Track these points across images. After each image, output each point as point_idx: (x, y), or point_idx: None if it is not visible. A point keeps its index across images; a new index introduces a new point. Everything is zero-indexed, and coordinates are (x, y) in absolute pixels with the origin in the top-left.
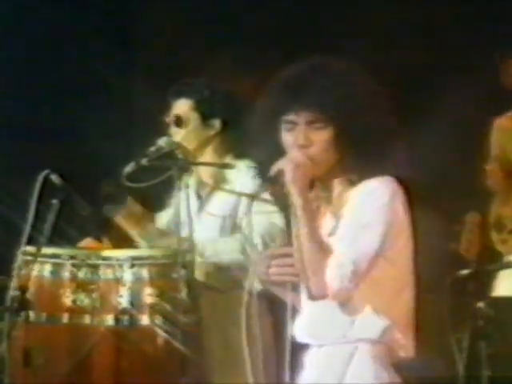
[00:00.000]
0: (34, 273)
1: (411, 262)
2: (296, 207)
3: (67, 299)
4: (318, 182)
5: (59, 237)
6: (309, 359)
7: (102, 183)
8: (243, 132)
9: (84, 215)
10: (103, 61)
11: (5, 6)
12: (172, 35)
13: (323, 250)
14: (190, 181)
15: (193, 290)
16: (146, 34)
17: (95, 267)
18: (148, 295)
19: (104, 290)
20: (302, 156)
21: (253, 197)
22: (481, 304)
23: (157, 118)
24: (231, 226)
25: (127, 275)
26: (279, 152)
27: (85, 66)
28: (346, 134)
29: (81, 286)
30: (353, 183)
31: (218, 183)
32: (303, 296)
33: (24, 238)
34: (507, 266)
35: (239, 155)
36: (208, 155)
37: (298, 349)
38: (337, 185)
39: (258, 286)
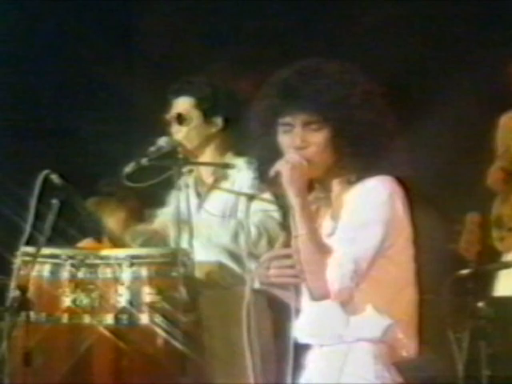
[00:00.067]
0: (34, 273)
1: (412, 260)
2: (294, 208)
3: (66, 299)
4: (316, 184)
5: (59, 237)
6: (310, 359)
7: (102, 183)
8: (244, 130)
9: (84, 215)
10: (103, 61)
11: (5, 6)
12: (172, 35)
13: (323, 250)
14: (190, 179)
15: (192, 289)
16: (146, 34)
17: (94, 267)
18: (147, 294)
19: (103, 290)
20: (298, 157)
21: (252, 197)
22: (481, 304)
23: (157, 117)
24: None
25: (126, 274)
26: (276, 154)
27: (85, 66)
28: (343, 134)
29: (80, 285)
30: (351, 183)
31: (219, 180)
32: (304, 296)
33: (24, 238)
34: (507, 265)
35: (240, 153)
36: (209, 153)
37: (299, 349)
38: (335, 185)
39: (257, 284)
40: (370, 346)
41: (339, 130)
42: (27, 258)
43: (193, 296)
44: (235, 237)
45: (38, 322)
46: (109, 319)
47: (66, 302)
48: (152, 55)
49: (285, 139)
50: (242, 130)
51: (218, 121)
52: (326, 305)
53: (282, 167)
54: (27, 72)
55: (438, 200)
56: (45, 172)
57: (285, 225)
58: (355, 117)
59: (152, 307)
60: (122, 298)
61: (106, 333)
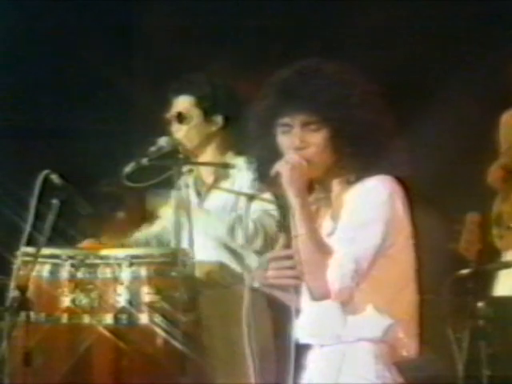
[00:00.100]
0: (33, 273)
1: (412, 260)
2: (293, 208)
3: (66, 299)
4: (316, 184)
5: (59, 237)
6: (310, 359)
7: (102, 183)
8: (245, 128)
9: (84, 215)
10: (103, 60)
11: (5, 6)
12: (172, 35)
13: (323, 250)
14: (190, 179)
15: (192, 289)
16: (146, 34)
17: (93, 267)
18: (146, 294)
19: (102, 290)
20: (297, 157)
21: (252, 197)
22: (481, 303)
23: (157, 117)
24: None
25: (125, 274)
26: (276, 155)
27: (85, 66)
28: (342, 134)
29: (79, 285)
30: (351, 183)
31: (219, 180)
32: (304, 296)
33: (24, 238)
34: (507, 265)
35: (241, 152)
36: (210, 152)
37: (299, 349)
38: (335, 185)
39: (257, 283)
40: (370, 346)
41: (338, 130)
42: (27, 258)
43: (192, 296)
44: (231, 230)
45: (38, 321)
46: (108, 319)
47: (66, 301)
48: (152, 55)
49: (284, 140)
50: (243, 129)
51: (219, 119)
52: (327, 305)
53: (281, 168)
54: (27, 72)
55: (437, 200)
56: (45, 172)
57: (284, 225)
58: (355, 117)
59: (151, 307)
60: (122, 298)
61: (106, 333)
